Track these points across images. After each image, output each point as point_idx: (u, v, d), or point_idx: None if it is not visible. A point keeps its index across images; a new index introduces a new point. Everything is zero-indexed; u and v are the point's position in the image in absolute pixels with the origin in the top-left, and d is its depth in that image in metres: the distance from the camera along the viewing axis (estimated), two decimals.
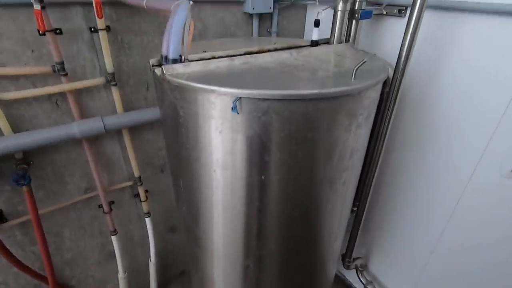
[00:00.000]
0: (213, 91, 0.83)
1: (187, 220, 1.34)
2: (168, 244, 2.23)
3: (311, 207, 1.09)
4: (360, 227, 1.71)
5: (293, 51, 1.21)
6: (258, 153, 0.93)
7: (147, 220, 1.90)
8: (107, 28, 1.33)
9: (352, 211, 1.63)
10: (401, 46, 1.24)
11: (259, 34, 1.86)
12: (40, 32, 1.19)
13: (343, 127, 0.94)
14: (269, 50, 1.31)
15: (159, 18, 1.51)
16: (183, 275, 2.49)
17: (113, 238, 1.81)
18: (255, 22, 1.79)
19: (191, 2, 1.04)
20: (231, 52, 1.22)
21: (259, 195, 1.02)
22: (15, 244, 1.56)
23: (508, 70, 1.18)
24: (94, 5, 1.21)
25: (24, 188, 1.39)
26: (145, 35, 1.50)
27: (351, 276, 2.27)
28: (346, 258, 1.90)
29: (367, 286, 2.01)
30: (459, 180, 1.45)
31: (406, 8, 1.44)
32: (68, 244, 1.76)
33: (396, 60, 1.26)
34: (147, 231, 1.99)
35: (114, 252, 1.92)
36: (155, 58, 1.04)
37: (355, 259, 1.97)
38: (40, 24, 1.12)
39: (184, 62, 0.97)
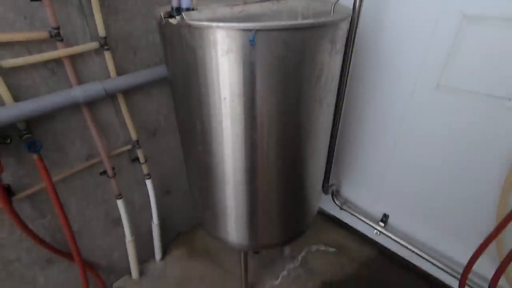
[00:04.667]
0: (233, 27, 1.04)
1: (201, 156, 1.51)
2: (164, 208, 2.36)
3: (307, 126, 1.39)
4: (334, 157, 2.10)
5: (274, 1, 1.46)
6: (270, 79, 1.18)
7: (148, 182, 2.02)
8: None
9: None
10: None
11: None
12: None
13: (327, 51, 1.24)
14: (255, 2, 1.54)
15: None
16: (179, 237, 2.67)
17: (119, 202, 1.90)
18: None
19: None
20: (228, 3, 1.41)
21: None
22: (24, 218, 1.58)
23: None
24: None
25: (35, 156, 1.42)
26: None
27: (326, 206, 2.71)
28: (324, 184, 2.29)
29: (343, 206, 2.44)
30: (403, 97, 1.88)
31: None
32: (74, 215, 1.81)
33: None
34: (146, 195, 2.11)
35: (118, 219, 2.01)
36: (165, 10, 1.19)
37: (331, 185, 2.38)
38: None
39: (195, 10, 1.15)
